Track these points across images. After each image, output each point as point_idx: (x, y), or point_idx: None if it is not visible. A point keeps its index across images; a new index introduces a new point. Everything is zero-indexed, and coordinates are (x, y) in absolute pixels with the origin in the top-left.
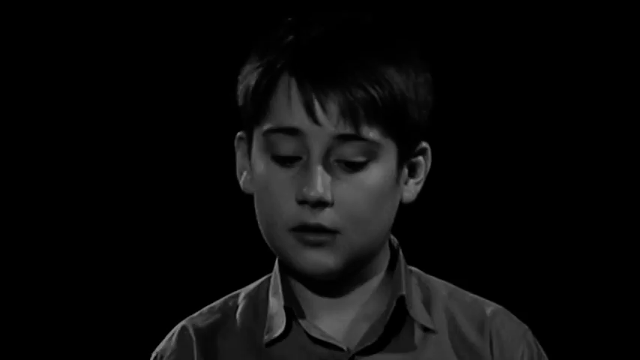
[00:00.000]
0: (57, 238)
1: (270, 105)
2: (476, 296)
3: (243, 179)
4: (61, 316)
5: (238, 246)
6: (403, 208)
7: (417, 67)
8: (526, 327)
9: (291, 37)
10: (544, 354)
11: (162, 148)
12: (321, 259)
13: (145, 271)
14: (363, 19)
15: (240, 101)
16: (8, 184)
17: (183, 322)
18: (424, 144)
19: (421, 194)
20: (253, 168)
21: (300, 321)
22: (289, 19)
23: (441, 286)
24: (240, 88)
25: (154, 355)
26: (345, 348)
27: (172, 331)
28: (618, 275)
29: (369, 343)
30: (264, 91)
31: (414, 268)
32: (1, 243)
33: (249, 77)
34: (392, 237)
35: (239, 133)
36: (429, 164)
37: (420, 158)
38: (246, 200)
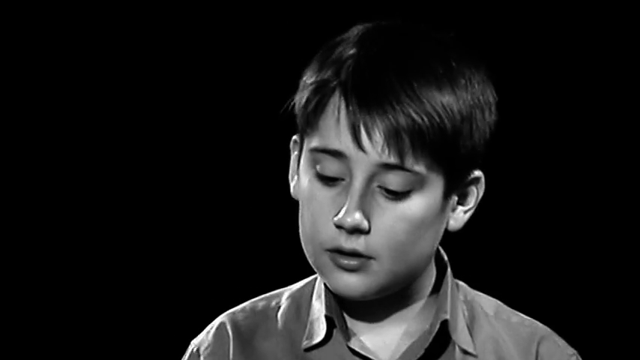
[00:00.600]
0: (66, 238)
1: (318, 124)
2: (523, 317)
3: (293, 184)
4: (75, 315)
5: (282, 242)
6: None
7: (478, 91)
8: (573, 351)
9: (349, 54)
10: None
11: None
12: (354, 284)
13: (182, 267)
14: (426, 33)
15: (296, 110)
16: (9, 184)
17: (223, 317)
18: (477, 173)
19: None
20: (300, 178)
21: (340, 330)
22: (359, 26)
23: (487, 304)
24: (297, 98)
25: (191, 347)
26: None
27: (211, 324)
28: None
29: None
30: (314, 109)
31: (461, 283)
32: (5, 243)
33: (304, 90)
34: (441, 250)
35: (295, 137)
36: (482, 193)
37: (472, 187)
38: (288, 200)
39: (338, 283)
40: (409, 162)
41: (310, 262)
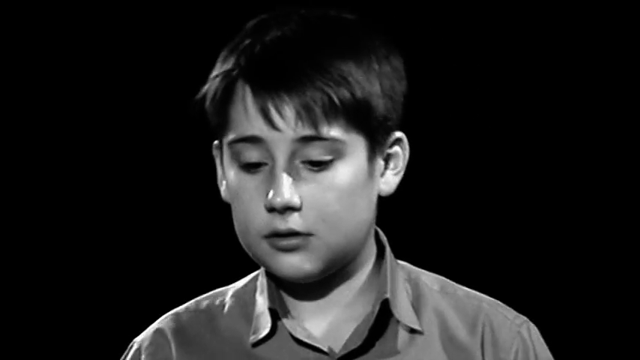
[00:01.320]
0: (52, 237)
1: (229, 115)
2: (468, 290)
3: (223, 188)
4: (52, 312)
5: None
6: (390, 200)
7: (382, 57)
8: (522, 319)
9: (246, 43)
10: (543, 346)
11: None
12: (298, 263)
13: (132, 266)
14: (324, 14)
15: (207, 109)
16: (8, 184)
17: (163, 321)
18: (398, 134)
19: (408, 186)
20: (226, 177)
21: (285, 322)
22: (251, 21)
23: (432, 281)
24: (204, 95)
25: (135, 346)
26: (328, 351)
27: (155, 324)
28: (610, 270)
29: (353, 347)
30: (223, 100)
31: (403, 263)
32: None
33: (211, 87)
34: (380, 232)
35: (215, 142)
36: (407, 154)
37: (397, 148)
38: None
39: (283, 266)
40: (324, 130)
41: (251, 255)
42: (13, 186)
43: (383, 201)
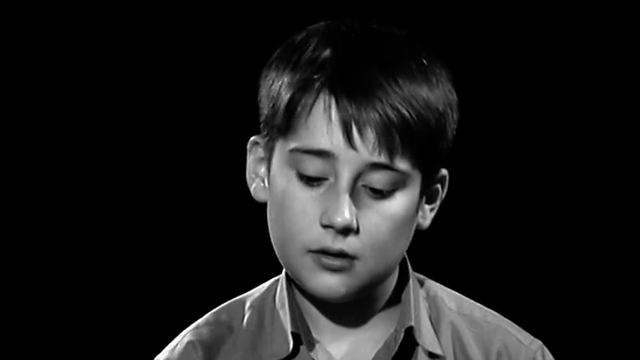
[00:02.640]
0: (59, 240)
1: (304, 124)
2: (485, 310)
3: (255, 186)
4: (64, 318)
5: (245, 245)
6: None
7: (448, 90)
8: (537, 344)
9: (327, 52)
10: None
11: (163, 150)
12: (336, 285)
13: (147, 273)
14: (393, 32)
15: (267, 112)
16: (8, 185)
17: (189, 335)
18: (444, 171)
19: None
20: (272, 181)
21: (307, 348)
22: (319, 27)
23: (449, 298)
24: (267, 98)
25: None
26: None
27: (177, 340)
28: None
29: None
30: (301, 109)
31: (419, 276)
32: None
33: (281, 91)
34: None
35: (253, 138)
36: (445, 192)
37: (438, 186)
38: (252, 199)
39: (319, 284)
40: (397, 161)
41: (285, 265)
42: (14, 186)
43: None
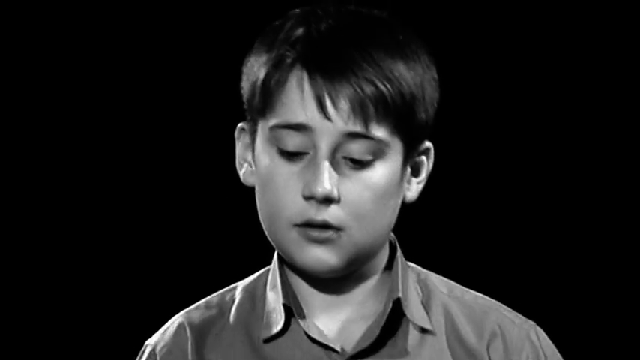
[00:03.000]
0: (48, 233)
1: (279, 99)
2: (476, 294)
3: (244, 171)
4: (54, 309)
5: (236, 238)
6: (403, 206)
7: (425, 65)
8: (531, 324)
9: (301, 30)
10: (553, 348)
11: (154, 143)
12: (324, 256)
13: (141, 263)
14: (372, 13)
15: (247, 94)
16: (8, 185)
17: (179, 318)
18: (428, 143)
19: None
20: (257, 161)
21: (299, 319)
22: (296, 11)
23: (440, 283)
24: (247, 81)
25: (148, 348)
26: (340, 350)
27: (167, 324)
28: (616, 272)
29: (365, 346)
30: (275, 85)
31: (412, 265)
32: None
33: (257, 71)
34: (391, 234)
35: (240, 124)
36: (431, 164)
37: (423, 158)
38: (244, 192)
39: (308, 257)
40: (373, 129)
41: (274, 243)
42: (13, 186)
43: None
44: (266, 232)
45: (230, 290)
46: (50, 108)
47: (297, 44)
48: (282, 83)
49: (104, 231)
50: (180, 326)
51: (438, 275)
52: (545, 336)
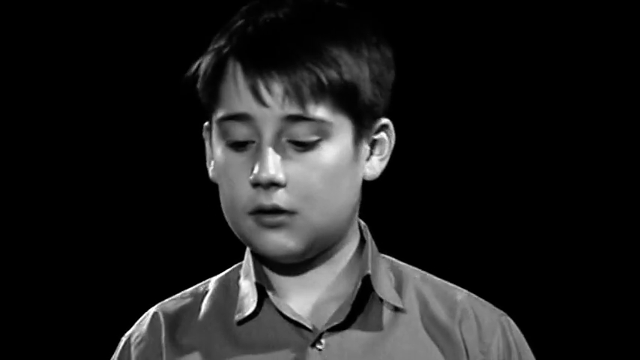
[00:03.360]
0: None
1: (220, 93)
2: (448, 282)
3: (211, 169)
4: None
5: (212, 235)
6: (374, 193)
7: (372, 44)
8: (502, 312)
9: (239, 24)
10: (522, 337)
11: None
12: (281, 241)
13: (119, 259)
14: (317, 1)
15: (199, 91)
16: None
17: (153, 308)
18: (384, 120)
19: (392, 180)
20: (214, 155)
21: (272, 298)
22: (245, 5)
23: (413, 271)
24: (199, 78)
25: (123, 339)
26: (312, 327)
27: (143, 316)
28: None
29: (336, 323)
30: (213, 78)
31: (386, 256)
32: None
33: (203, 66)
34: (361, 222)
35: (206, 123)
36: (393, 140)
37: (383, 134)
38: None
39: (267, 243)
40: (311, 110)
41: (236, 234)
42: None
43: (367, 193)
44: (230, 225)
45: (204, 283)
46: (45, 106)
47: (233, 37)
48: (220, 77)
49: (83, 229)
50: (154, 316)
51: (411, 266)
52: (515, 326)
